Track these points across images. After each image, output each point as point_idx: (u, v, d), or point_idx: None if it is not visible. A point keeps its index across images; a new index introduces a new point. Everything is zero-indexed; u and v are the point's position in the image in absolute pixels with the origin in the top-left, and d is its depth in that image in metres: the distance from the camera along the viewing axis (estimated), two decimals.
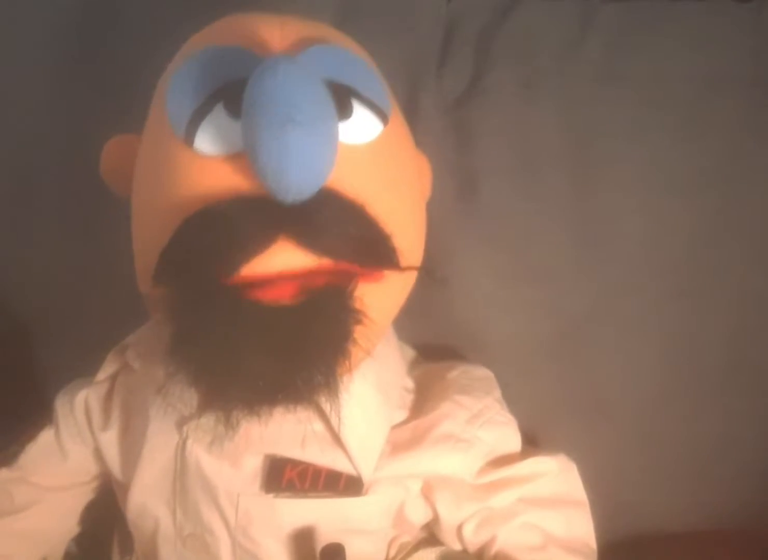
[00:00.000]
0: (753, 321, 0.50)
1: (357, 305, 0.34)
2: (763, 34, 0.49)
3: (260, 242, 0.32)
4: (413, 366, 0.48)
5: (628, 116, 0.49)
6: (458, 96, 0.51)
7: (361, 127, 0.35)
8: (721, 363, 0.51)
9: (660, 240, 0.49)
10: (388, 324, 0.42)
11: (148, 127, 0.38)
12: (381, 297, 0.36)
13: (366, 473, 0.40)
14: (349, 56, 0.37)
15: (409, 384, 0.46)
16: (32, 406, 0.48)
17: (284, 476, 0.39)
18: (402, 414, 0.44)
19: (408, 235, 0.38)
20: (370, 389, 0.41)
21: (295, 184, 0.30)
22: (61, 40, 0.54)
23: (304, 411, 0.37)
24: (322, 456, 0.40)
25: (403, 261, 0.36)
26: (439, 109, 0.51)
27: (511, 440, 0.45)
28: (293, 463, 0.39)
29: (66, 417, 0.46)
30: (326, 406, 0.35)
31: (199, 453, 0.40)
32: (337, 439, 0.40)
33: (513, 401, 0.48)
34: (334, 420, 0.39)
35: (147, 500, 0.42)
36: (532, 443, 0.48)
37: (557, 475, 0.44)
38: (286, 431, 0.38)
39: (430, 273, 0.40)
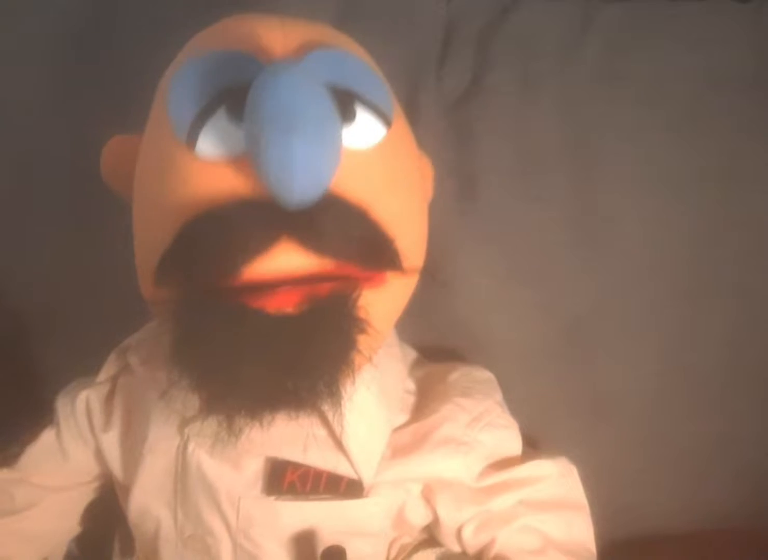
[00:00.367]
0: (753, 321, 0.50)
1: (361, 314, 0.34)
2: (763, 34, 0.49)
3: (262, 243, 0.32)
4: (414, 367, 0.48)
5: (628, 116, 0.49)
6: (458, 96, 0.51)
7: (364, 132, 0.35)
8: (721, 363, 0.51)
9: (660, 240, 0.50)
10: (390, 330, 0.42)
11: (149, 129, 0.38)
12: (384, 304, 0.36)
13: (367, 477, 0.40)
14: (352, 59, 0.37)
15: (411, 386, 0.46)
16: (33, 407, 0.48)
17: (285, 479, 0.39)
18: (403, 417, 0.44)
19: (411, 238, 0.38)
20: (372, 395, 0.41)
21: (299, 192, 0.30)
22: (61, 41, 0.54)
23: (306, 417, 0.37)
24: (323, 459, 0.40)
25: (406, 264, 0.36)
26: (439, 109, 0.51)
27: (512, 443, 0.45)
28: (294, 466, 0.39)
29: (67, 417, 0.46)
30: (329, 413, 0.35)
31: (201, 455, 0.40)
32: (338, 443, 0.40)
33: (513, 401, 0.48)
34: (336, 427, 0.39)
35: (148, 501, 0.42)
36: (532, 443, 0.48)
37: (557, 479, 0.44)
38: (288, 434, 0.38)
39: (432, 275, 0.40)
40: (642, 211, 0.49)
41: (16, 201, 0.56)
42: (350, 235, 0.33)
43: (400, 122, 0.39)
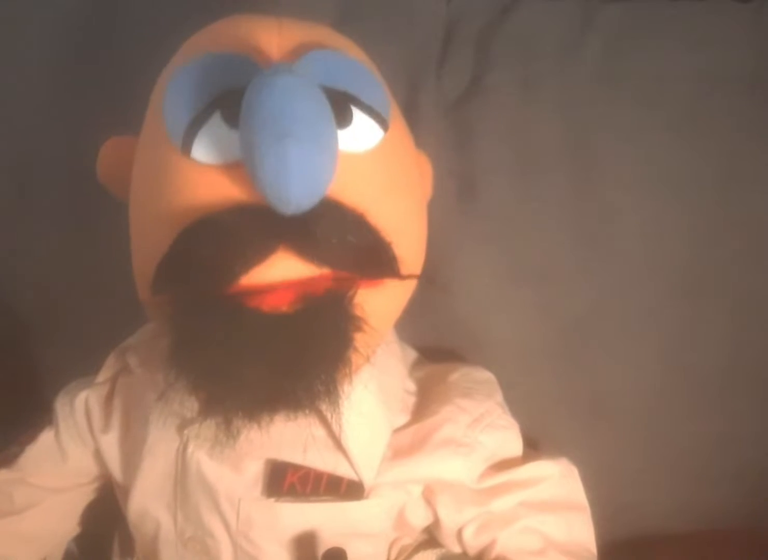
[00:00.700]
0: (753, 321, 0.50)
1: (357, 312, 0.33)
2: (763, 34, 0.49)
3: (260, 252, 0.32)
4: (415, 368, 0.48)
5: (628, 116, 0.49)
6: (458, 96, 0.51)
7: (361, 135, 0.35)
8: (721, 363, 0.51)
9: (659, 240, 0.50)
10: (388, 329, 0.42)
11: (144, 133, 0.38)
12: (381, 304, 0.36)
13: (367, 478, 0.40)
14: (349, 61, 0.37)
15: (411, 386, 0.46)
16: (32, 407, 0.48)
17: (285, 480, 0.39)
18: (403, 418, 0.44)
19: (409, 241, 0.37)
20: (371, 395, 0.41)
21: (295, 198, 0.29)
22: (61, 42, 0.54)
23: (305, 418, 0.37)
24: (323, 461, 0.40)
25: (404, 268, 0.36)
26: (439, 109, 0.51)
27: (513, 444, 0.45)
28: (294, 468, 0.39)
29: (66, 418, 0.46)
30: (327, 413, 0.35)
31: (200, 457, 0.40)
32: (338, 444, 0.40)
33: (512, 401, 0.48)
34: (335, 427, 0.39)
35: (148, 503, 0.42)
36: (532, 443, 0.48)
37: (558, 480, 0.44)
38: (288, 436, 0.38)
39: (431, 280, 0.40)
40: (642, 211, 0.49)
41: (16, 201, 0.56)
42: (347, 242, 0.33)
43: (398, 124, 0.39)
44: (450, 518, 0.42)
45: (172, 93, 0.34)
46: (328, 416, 0.35)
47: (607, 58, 0.49)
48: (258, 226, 0.32)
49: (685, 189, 0.49)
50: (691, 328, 0.50)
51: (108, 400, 0.46)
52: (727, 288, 0.50)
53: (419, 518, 0.43)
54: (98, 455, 0.46)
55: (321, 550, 0.38)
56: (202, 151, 0.33)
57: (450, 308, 0.51)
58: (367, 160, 0.35)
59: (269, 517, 0.40)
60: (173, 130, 0.34)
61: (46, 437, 0.47)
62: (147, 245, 0.36)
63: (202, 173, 0.33)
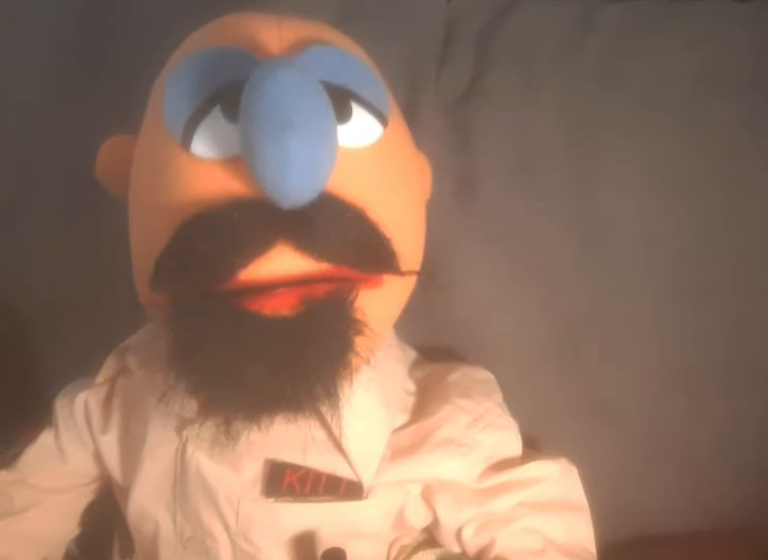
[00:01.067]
0: (753, 321, 0.50)
1: (358, 315, 0.33)
2: (763, 34, 0.49)
3: (258, 246, 0.32)
4: (414, 367, 0.48)
5: (628, 116, 0.49)
6: (458, 96, 0.51)
7: (360, 130, 0.35)
8: (720, 363, 0.51)
9: (660, 240, 0.50)
10: (388, 331, 0.42)
11: (144, 129, 0.38)
12: (381, 305, 0.36)
13: (366, 479, 0.40)
14: (348, 57, 0.37)
15: (410, 386, 0.46)
16: (32, 408, 0.48)
17: (284, 480, 0.39)
18: (403, 418, 0.44)
19: (408, 238, 0.37)
20: (371, 397, 0.41)
21: (294, 190, 0.29)
22: (60, 41, 0.54)
23: (305, 419, 0.37)
24: (322, 461, 0.40)
25: (404, 264, 0.36)
26: (439, 109, 0.51)
27: (512, 444, 0.45)
28: (293, 468, 0.39)
29: (65, 419, 0.46)
30: (327, 415, 0.35)
31: (200, 457, 0.40)
32: (337, 445, 0.40)
33: (512, 401, 0.48)
34: (335, 429, 0.39)
35: (147, 504, 0.42)
36: (532, 443, 0.48)
37: (558, 480, 0.44)
38: (287, 436, 0.38)
39: (430, 277, 0.40)
40: (642, 211, 0.49)
41: (16, 201, 0.56)
42: (347, 236, 0.33)
43: (397, 121, 0.39)
44: (449, 518, 0.42)
45: (171, 87, 0.34)
46: (328, 418, 0.35)
47: (607, 58, 0.49)
48: (257, 220, 0.31)
49: (685, 189, 0.49)
50: (691, 328, 0.50)
51: (107, 401, 0.46)
52: (727, 288, 0.50)
53: (418, 518, 0.43)
54: (98, 456, 0.46)
55: (320, 550, 0.38)
56: (201, 145, 0.33)
57: (449, 308, 0.51)
58: (366, 155, 0.35)
59: (268, 517, 0.40)
60: (173, 125, 0.34)
61: (45, 438, 0.47)
62: (146, 240, 0.35)
63: (201, 167, 0.33)
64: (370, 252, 0.34)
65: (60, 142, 0.54)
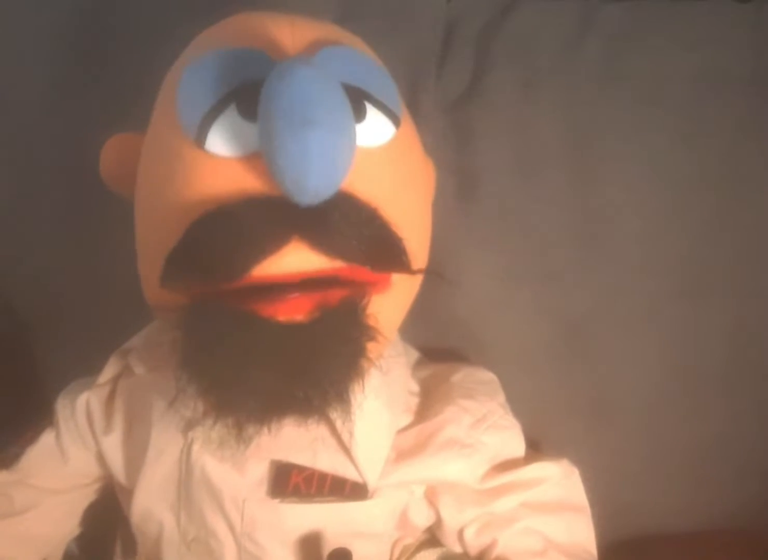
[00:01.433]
0: (753, 321, 0.50)
1: (371, 322, 0.34)
2: (763, 34, 0.49)
3: (273, 242, 0.32)
4: (417, 368, 0.48)
5: (628, 116, 0.49)
6: (458, 96, 0.51)
7: (374, 130, 0.35)
8: (721, 363, 0.51)
9: (659, 239, 0.50)
10: (395, 333, 0.42)
11: (153, 125, 0.38)
12: (391, 309, 0.37)
13: (371, 480, 0.40)
14: (361, 58, 0.37)
15: (414, 387, 0.46)
16: (33, 408, 0.48)
17: (290, 481, 0.39)
18: (407, 418, 0.44)
19: (416, 238, 0.37)
20: (380, 402, 0.41)
21: (314, 187, 0.29)
22: (61, 40, 0.54)
23: (315, 423, 0.37)
24: (328, 463, 0.40)
25: (414, 264, 0.36)
26: (439, 109, 0.51)
27: (515, 444, 0.45)
28: (299, 469, 0.39)
29: (67, 420, 0.46)
30: (337, 420, 0.35)
31: (205, 458, 0.40)
32: (343, 447, 0.40)
33: (513, 401, 0.48)
34: (344, 434, 0.39)
35: (151, 504, 0.42)
36: (533, 443, 0.48)
37: (559, 481, 0.44)
38: (293, 438, 0.38)
39: (439, 276, 0.40)
40: (642, 211, 0.49)
41: (16, 201, 0.56)
42: (361, 234, 0.33)
43: (407, 122, 0.39)
44: (452, 518, 0.43)
45: (186, 85, 0.34)
46: (338, 423, 0.35)
47: (607, 58, 0.49)
48: (272, 217, 0.31)
49: (685, 189, 0.49)
50: (691, 328, 0.50)
51: (109, 402, 0.46)
52: (727, 288, 0.50)
53: (422, 518, 0.43)
54: (100, 456, 0.46)
55: (325, 551, 0.38)
56: (216, 143, 0.33)
57: (450, 308, 0.51)
58: (379, 155, 0.35)
59: (274, 518, 0.40)
60: (187, 122, 0.34)
61: (47, 438, 0.46)
62: (156, 238, 0.35)
63: (215, 165, 0.33)
64: (382, 250, 0.34)
65: (60, 141, 0.54)
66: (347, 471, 0.40)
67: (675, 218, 0.49)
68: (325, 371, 0.32)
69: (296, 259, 0.32)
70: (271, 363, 0.31)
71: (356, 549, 0.38)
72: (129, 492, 0.43)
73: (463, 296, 0.51)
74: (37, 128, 0.54)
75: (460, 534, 0.43)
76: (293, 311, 0.32)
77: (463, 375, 0.47)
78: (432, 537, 0.45)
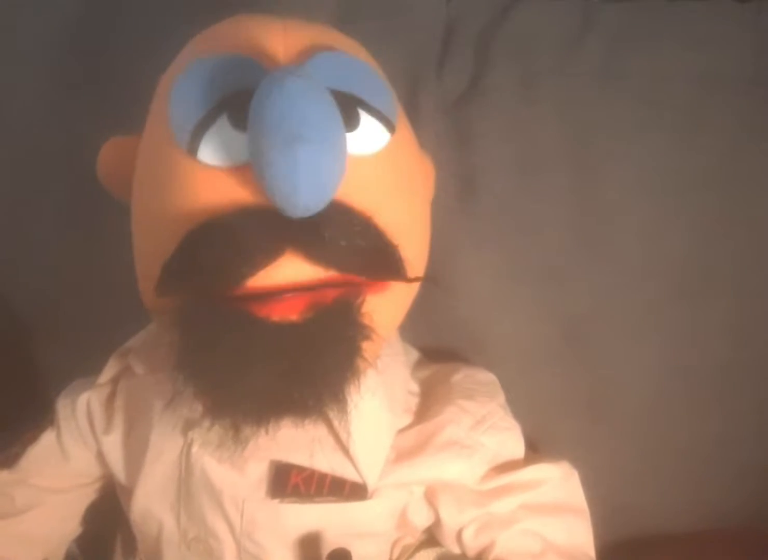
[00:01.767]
0: (753, 321, 0.50)
1: (366, 321, 0.34)
2: (763, 34, 0.49)
3: (267, 255, 0.32)
4: (417, 368, 0.48)
5: (628, 116, 0.49)
6: (458, 96, 0.51)
7: (368, 138, 0.35)
8: (721, 363, 0.51)
9: (659, 240, 0.49)
10: (393, 333, 0.42)
11: (148, 133, 0.38)
12: (387, 309, 0.36)
13: (371, 481, 0.40)
14: (355, 63, 0.36)
15: (414, 387, 0.46)
16: (33, 407, 0.48)
17: (290, 481, 0.39)
18: (407, 419, 0.44)
19: (414, 243, 0.37)
20: (377, 401, 0.41)
21: (304, 201, 0.29)
22: (60, 42, 0.54)
23: (312, 423, 0.37)
24: (328, 463, 0.40)
25: (410, 270, 0.36)
26: (439, 109, 0.51)
27: (515, 446, 0.45)
28: (298, 469, 0.39)
29: (67, 419, 0.46)
30: (335, 420, 0.35)
31: (204, 458, 0.40)
32: (342, 447, 0.40)
33: (512, 401, 0.48)
34: (342, 434, 0.39)
35: (151, 504, 0.42)
36: (533, 444, 0.48)
37: (559, 483, 0.44)
38: (292, 438, 0.38)
39: (435, 282, 0.40)
40: (642, 211, 0.49)
41: (16, 201, 0.56)
42: (355, 244, 0.33)
43: (403, 126, 0.39)
44: (451, 518, 0.42)
45: (177, 93, 0.34)
46: (336, 422, 0.35)
47: (607, 58, 0.49)
48: (265, 229, 0.31)
49: (685, 188, 0.49)
50: (691, 328, 0.50)
51: (110, 402, 0.46)
52: (727, 287, 0.50)
53: (421, 518, 0.43)
54: (100, 456, 0.46)
55: (325, 551, 0.38)
56: (208, 153, 0.33)
57: (450, 308, 0.51)
58: (374, 162, 0.35)
59: (273, 518, 0.40)
60: (179, 132, 0.34)
61: (47, 438, 0.47)
62: (151, 247, 0.35)
63: (208, 175, 0.33)
64: (377, 259, 0.34)
65: (60, 142, 0.54)
66: (346, 471, 0.40)
67: (675, 218, 0.49)
68: (320, 370, 0.32)
69: (290, 270, 0.32)
70: (266, 363, 0.31)
71: (356, 549, 0.38)
72: (129, 492, 0.43)
73: (463, 296, 0.51)
74: (37, 128, 0.55)
75: (459, 534, 0.43)
76: (288, 311, 0.32)
77: (464, 376, 0.47)
78: (431, 537, 0.45)
